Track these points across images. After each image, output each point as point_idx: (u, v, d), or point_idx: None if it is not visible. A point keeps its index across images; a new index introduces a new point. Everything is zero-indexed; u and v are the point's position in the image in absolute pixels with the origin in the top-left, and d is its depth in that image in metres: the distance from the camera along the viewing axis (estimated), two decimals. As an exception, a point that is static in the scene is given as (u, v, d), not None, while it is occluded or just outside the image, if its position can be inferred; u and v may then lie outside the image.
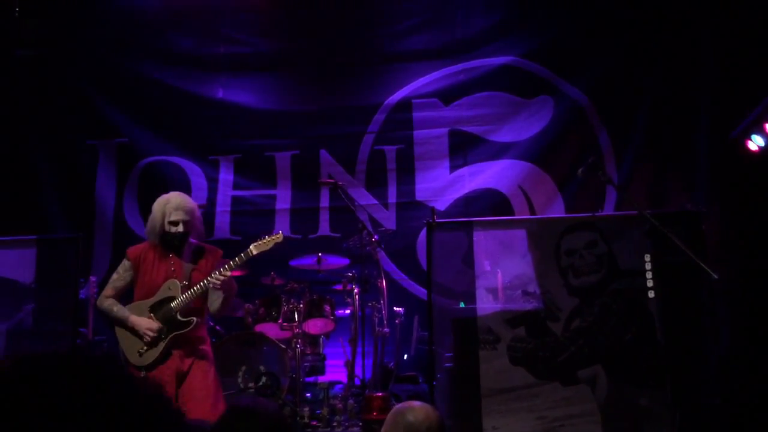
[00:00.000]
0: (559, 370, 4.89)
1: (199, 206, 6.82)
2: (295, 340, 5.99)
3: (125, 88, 7.77)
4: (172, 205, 4.20)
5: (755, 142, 5.90)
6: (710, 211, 5.56)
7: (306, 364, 6.24)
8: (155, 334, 4.08)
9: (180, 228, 4.18)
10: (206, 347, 4.32)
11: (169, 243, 4.24)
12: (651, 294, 4.86)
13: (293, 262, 6.59)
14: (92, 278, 6.45)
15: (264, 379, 5.72)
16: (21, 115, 7.69)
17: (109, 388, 1.05)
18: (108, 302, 4.27)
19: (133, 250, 4.37)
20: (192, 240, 4.34)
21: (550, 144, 7.27)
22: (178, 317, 4.14)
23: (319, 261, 6.42)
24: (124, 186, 7.66)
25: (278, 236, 4.27)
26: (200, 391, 4.11)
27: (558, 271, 5.04)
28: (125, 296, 4.41)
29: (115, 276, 4.37)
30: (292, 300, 6.23)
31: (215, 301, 4.25)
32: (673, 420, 4.63)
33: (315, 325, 6.25)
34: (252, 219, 7.55)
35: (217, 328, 6.37)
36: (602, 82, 7.19)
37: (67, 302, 5.68)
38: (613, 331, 4.89)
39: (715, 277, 3.88)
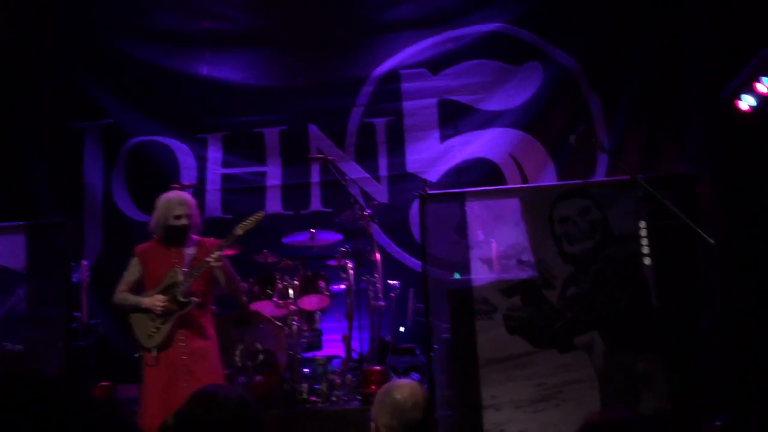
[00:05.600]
0: (556, 338, 4.91)
1: (189, 185, 6.85)
2: (291, 317, 5.99)
3: (108, 68, 7.66)
4: (174, 202, 4.62)
5: (746, 102, 5.87)
6: (702, 173, 5.55)
7: (303, 340, 6.24)
8: (165, 304, 4.46)
9: (183, 221, 4.59)
10: (211, 332, 4.69)
11: (172, 236, 4.62)
12: (647, 261, 4.86)
13: (286, 239, 6.56)
14: (84, 262, 6.42)
15: (261, 357, 5.72)
16: (4, 99, 7.58)
17: (62, 411, 1.01)
18: (121, 295, 4.67)
19: (139, 247, 4.77)
20: (193, 235, 4.72)
21: (540, 111, 7.22)
22: (180, 299, 4.49)
23: (312, 237, 6.39)
24: (112, 168, 7.59)
25: (259, 214, 4.65)
26: (208, 376, 4.43)
27: (552, 238, 5.03)
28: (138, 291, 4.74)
29: (125, 273, 4.73)
30: (286, 277, 6.20)
31: (221, 279, 4.68)
32: (670, 383, 4.66)
33: (310, 302, 6.22)
34: (243, 197, 7.51)
35: (213, 308, 6.35)
36: (592, 47, 7.13)
37: (60, 287, 5.69)
38: (609, 297, 4.90)
39: (712, 242, 3.87)
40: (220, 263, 4.49)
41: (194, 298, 4.51)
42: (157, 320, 4.51)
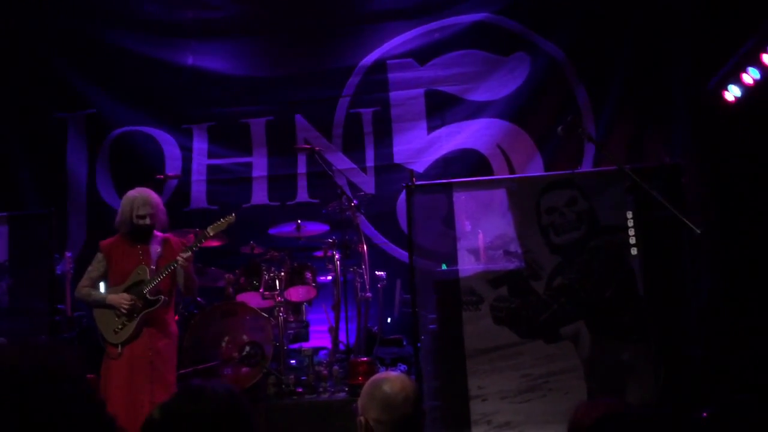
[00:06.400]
0: (543, 328, 4.92)
1: (174, 176, 6.80)
2: (277, 308, 5.96)
3: (92, 57, 7.58)
4: (139, 201, 4.64)
5: (732, 93, 5.88)
6: (689, 163, 5.56)
7: (290, 331, 6.22)
8: (131, 303, 4.51)
9: (147, 221, 4.63)
10: (173, 329, 4.80)
11: (137, 234, 4.66)
12: (634, 251, 4.87)
13: (272, 230, 6.52)
14: (68, 254, 6.35)
15: (248, 348, 5.69)
16: (-15, 89, 7.49)
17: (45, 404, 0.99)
18: (85, 290, 4.70)
19: (104, 243, 4.78)
20: (158, 232, 4.77)
21: (527, 102, 7.20)
22: (148, 296, 4.56)
23: (298, 228, 6.36)
24: (95, 158, 7.53)
25: (231, 217, 4.77)
26: (170, 373, 4.63)
27: (539, 229, 5.03)
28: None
29: (90, 268, 4.77)
30: (272, 268, 6.18)
31: (180, 278, 4.73)
32: (657, 373, 4.68)
33: (297, 293, 6.21)
34: (229, 188, 7.47)
35: (199, 299, 6.32)
36: (579, 38, 7.11)
37: (43, 279, 5.63)
38: (595, 287, 4.91)
39: (698, 232, 3.88)
40: (188, 264, 4.57)
41: (163, 297, 4.58)
42: (122, 317, 4.57)
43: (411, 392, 2.37)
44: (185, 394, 1.92)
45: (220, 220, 4.74)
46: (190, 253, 4.57)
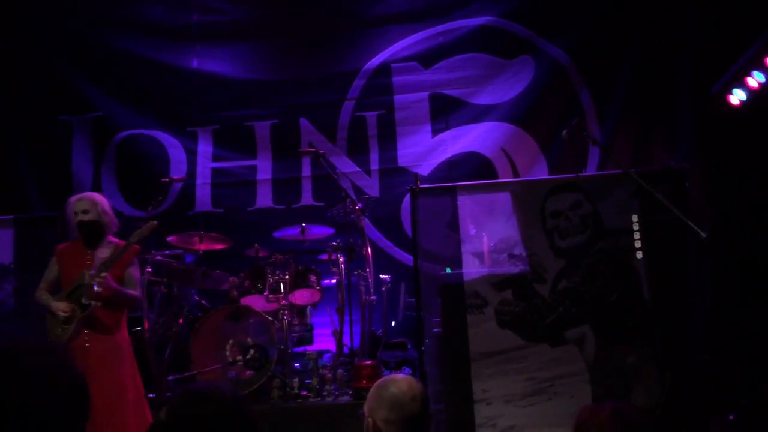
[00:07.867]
0: (547, 332, 4.91)
1: (179, 179, 6.81)
2: (281, 311, 5.96)
3: (97, 61, 7.60)
4: (75, 199, 4.82)
5: (737, 96, 5.87)
6: (693, 167, 5.56)
7: (294, 334, 6.22)
8: (66, 313, 4.58)
9: (81, 216, 4.73)
10: (121, 334, 4.76)
11: (87, 237, 4.74)
12: (639, 255, 4.86)
13: (277, 234, 6.53)
14: (73, 257, 6.35)
15: (252, 351, 5.68)
16: (-9, 92, 7.52)
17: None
18: (38, 293, 4.83)
19: (59, 247, 4.92)
20: (112, 238, 4.82)
21: (531, 105, 7.21)
22: (83, 301, 4.61)
23: (303, 231, 6.37)
24: (101, 161, 7.55)
25: (153, 223, 4.79)
26: (110, 377, 4.55)
27: (543, 232, 5.03)
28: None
29: (46, 271, 4.88)
30: (277, 271, 6.17)
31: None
32: (662, 377, 4.67)
33: (301, 296, 6.21)
34: (233, 191, 7.48)
35: (203, 302, 6.33)
36: (583, 41, 7.12)
37: (48, 282, 5.63)
38: (600, 290, 4.90)
39: (704, 235, 3.87)
40: (99, 283, 4.51)
41: (94, 302, 4.56)
42: (64, 321, 4.67)
43: (418, 392, 2.42)
44: (191, 395, 1.93)
45: (143, 227, 4.77)
46: (104, 275, 4.51)
